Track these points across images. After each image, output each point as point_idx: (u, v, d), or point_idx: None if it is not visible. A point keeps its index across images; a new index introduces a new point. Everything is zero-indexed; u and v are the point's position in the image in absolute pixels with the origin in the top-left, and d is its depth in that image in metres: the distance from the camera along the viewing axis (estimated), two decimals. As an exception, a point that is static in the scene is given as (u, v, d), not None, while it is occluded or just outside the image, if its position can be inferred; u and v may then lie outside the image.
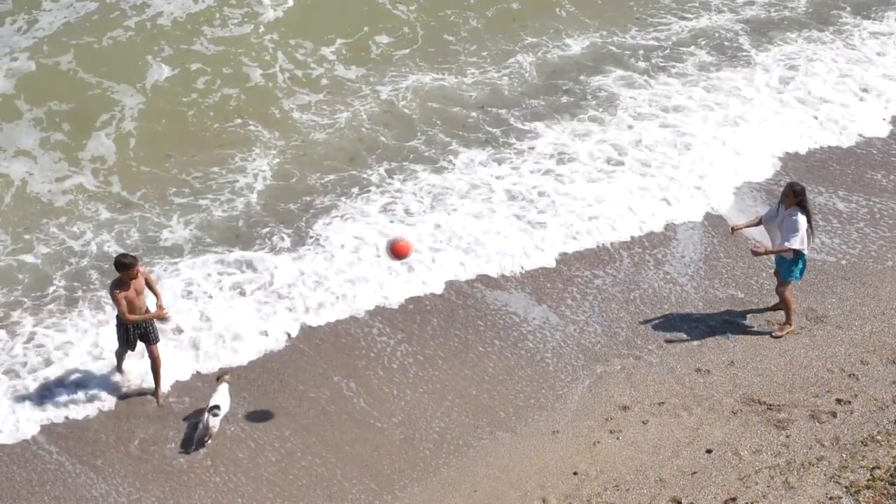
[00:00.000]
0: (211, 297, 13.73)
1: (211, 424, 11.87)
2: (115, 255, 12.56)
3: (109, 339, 12.87)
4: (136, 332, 12.26)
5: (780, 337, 12.92)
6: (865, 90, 17.59)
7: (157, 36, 18.25)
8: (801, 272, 12.79)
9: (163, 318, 12.32)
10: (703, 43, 18.86)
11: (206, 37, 18.42)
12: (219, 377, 12.28)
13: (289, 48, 18.39)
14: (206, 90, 17.42)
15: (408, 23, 19.12)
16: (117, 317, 12.24)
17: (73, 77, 17.41)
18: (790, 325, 12.95)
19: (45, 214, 15.05)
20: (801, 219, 12.47)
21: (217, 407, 11.93)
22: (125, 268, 11.89)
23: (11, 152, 16.03)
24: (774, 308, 13.33)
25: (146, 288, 12.20)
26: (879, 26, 19.27)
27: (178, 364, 12.87)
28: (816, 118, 17.01)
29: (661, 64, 18.29)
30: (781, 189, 13.10)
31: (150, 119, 16.78)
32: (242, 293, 13.81)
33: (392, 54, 18.42)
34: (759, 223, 13.07)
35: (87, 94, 17.15)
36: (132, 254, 12.40)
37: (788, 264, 12.71)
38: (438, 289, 13.94)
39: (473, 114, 17.04)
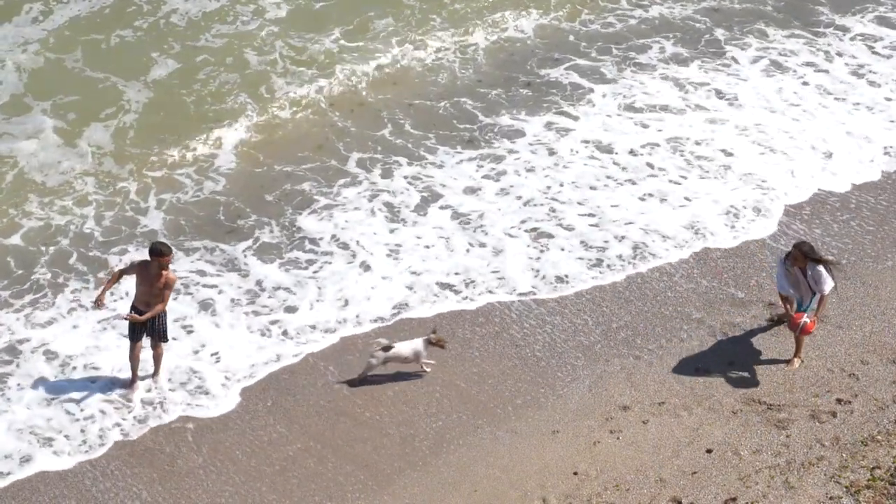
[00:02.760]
0: (201, 306, 13.72)
1: (372, 353, 12.46)
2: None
3: (105, 339, 12.92)
4: (142, 327, 12.24)
5: (793, 369, 12.61)
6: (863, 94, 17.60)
7: (165, 33, 18.38)
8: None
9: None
10: (670, 35, 18.59)
11: (194, 15, 18.55)
12: (432, 341, 12.59)
13: (272, 31, 18.45)
14: (192, 73, 17.52)
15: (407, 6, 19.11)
16: (131, 306, 12.27)
17: (80, 71, 17.56)
18: (800, 358, 12.66)
19: (37, 196, 15.24)
20: (823, 271, 12.30)
21: (390, 346, 12.44)
22: (156, 255, 11.94)
23: (13, 138, 16.23)
24: (779, 322, 13.18)
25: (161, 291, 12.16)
26: (863, 27, 19.13)
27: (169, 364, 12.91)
28: (803, 111, 16.96)
29: (625, 55, 18.06)
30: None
31: (149, 108, 16.94)
32: (235, 301, 13.81)
33: (373, 36, 18.39)
34: (786, 297, 12.52)
35: (96, 86, 17.29)
36: (168, 244, 12.32)
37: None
38: (438, 292, 13.92)
39: (441, 104, 17.00)
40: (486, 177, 15.70)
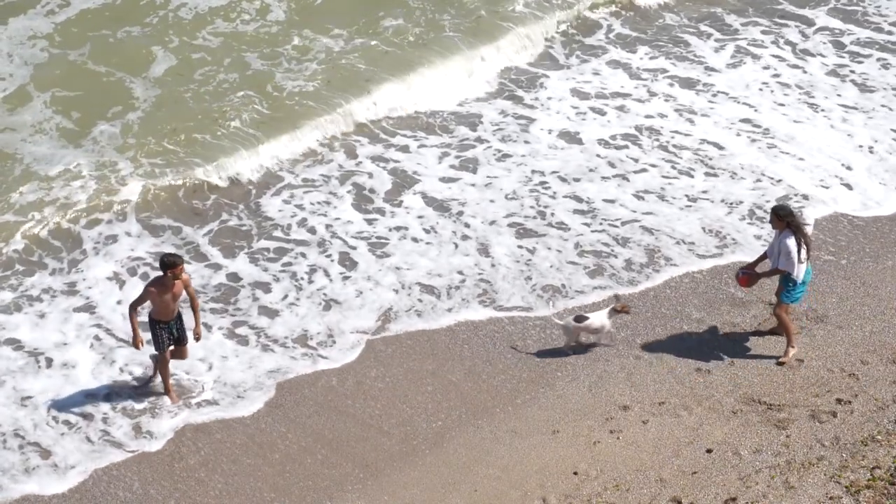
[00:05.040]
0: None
1: (565, 324, 12.80)
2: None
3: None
4: (169, 335, 12.21)
5: (785, 363, 12.56)
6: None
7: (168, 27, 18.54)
8: (799, 295, 12.53)
9: (195, 337, 12.36)
10: (622, 13, 18.47)
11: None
12: (616, 309, 12.78)
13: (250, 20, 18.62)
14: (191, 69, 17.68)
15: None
16: (150, 318, 12.20)
17: (85, 66, 17.71)
18: (793, 347, 12.63)
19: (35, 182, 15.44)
20: (792, 242, 12.17)
21: (584, 317, 12.81)
22: (168, 267, 11.84)
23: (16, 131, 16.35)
24: (772, 332, 13.09)
25: (185, 294, 12.14)
26: (824, 19, 19.10)
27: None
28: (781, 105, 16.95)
29: (571, 37, 17.93)
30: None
31: (149, 102, 17.05)
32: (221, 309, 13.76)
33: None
34: (765, 257, 12.67)
35: (102, 80, 17.48)
36: (177, 253, 12.28)
37: (786, 285, 12.48)
38: (423, 297, 13.92)
39: (400, 93, 17.13)
40: (453, 166, 15.67)
